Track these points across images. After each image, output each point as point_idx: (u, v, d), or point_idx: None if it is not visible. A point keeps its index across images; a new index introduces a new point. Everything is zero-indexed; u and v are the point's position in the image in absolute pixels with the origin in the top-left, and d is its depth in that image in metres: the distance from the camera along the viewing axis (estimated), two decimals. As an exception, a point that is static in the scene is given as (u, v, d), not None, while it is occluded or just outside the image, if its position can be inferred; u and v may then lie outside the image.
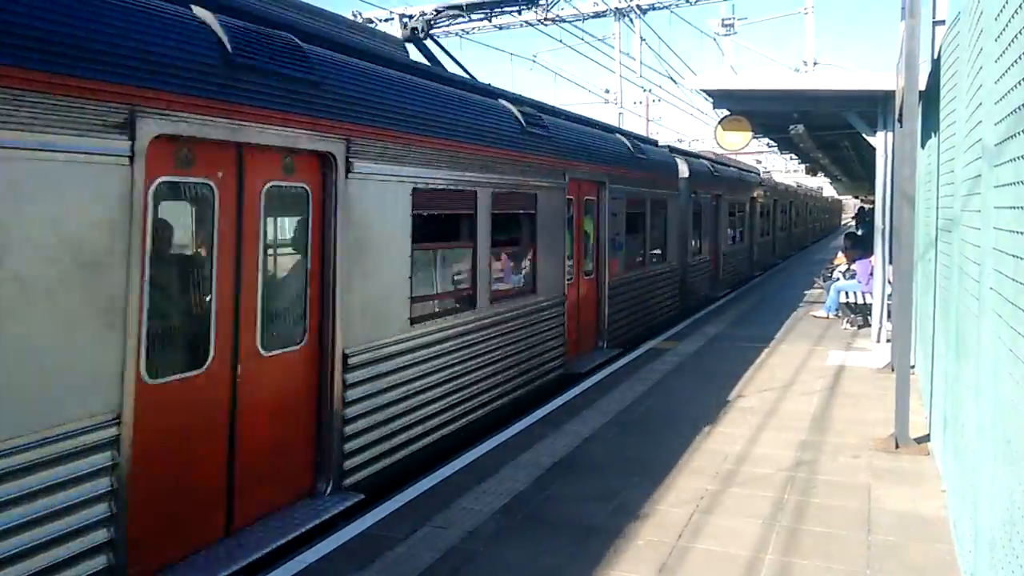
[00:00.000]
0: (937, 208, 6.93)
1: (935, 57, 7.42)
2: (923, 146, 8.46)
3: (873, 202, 14.93)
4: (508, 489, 5.90)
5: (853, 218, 41.69)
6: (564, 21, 22.37)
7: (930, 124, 7.61)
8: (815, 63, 26.53)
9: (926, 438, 6.90)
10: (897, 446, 6.71)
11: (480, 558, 4.78)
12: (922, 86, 7.34)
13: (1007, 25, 3.04)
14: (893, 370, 9.44)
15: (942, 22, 8.94)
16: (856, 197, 55.28)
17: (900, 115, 8.62)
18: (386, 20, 23.12)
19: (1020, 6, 2.75)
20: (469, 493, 5.81)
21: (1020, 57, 2.77)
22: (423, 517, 5.37)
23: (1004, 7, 3.11)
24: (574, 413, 8.01)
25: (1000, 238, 3.21)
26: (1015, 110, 2.87)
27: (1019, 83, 2.80)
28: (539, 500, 5.71)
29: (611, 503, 5.60)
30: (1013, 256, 2.90)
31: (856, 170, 27.63)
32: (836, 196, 59.41)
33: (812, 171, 31.33)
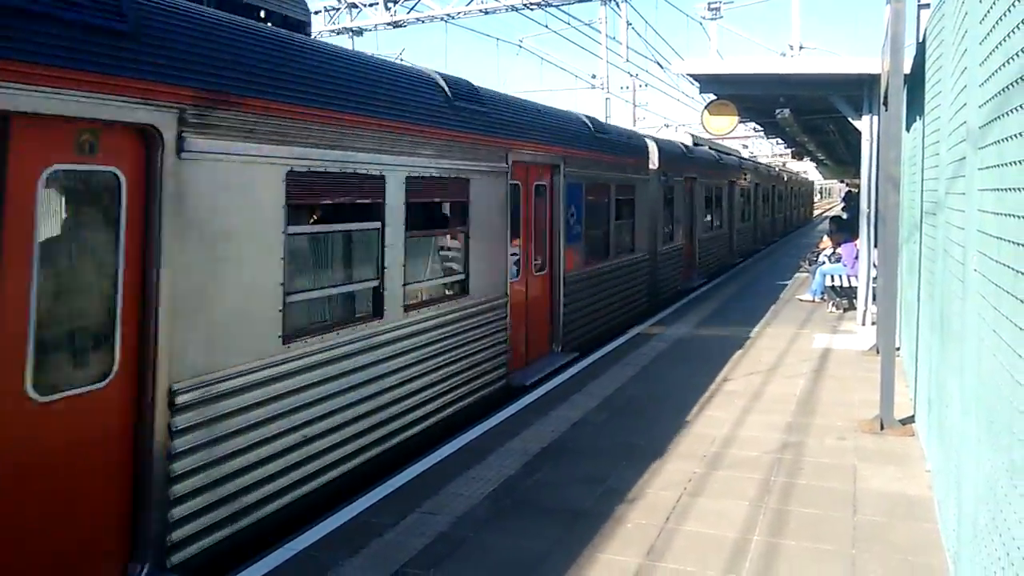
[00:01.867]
0: (922, 191, 6.97)
1: (920, 40, 7.43)
2: (908, 129, 8.49)
3: (859, 186, 14.95)
4: (497, 475, 5.91)
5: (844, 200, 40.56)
6: (550, 5, 22.25)
7: (915, 107, 7.63)
8: (801, 47, 26.52)
9: (911, 419, 6.97)
10: (882, 427, 6.78)
11: (469, 543, 4.79)
12: (907, 69, 7.35)
13: (992, 7, 3.05)
14: (878, 352, 9.52)
15: (927, 5, 8.93)
16: (842, 181, 55.62)
17: (885, 98, 8.64)
18: None
19: (1005, -12, 2.76)
20: (458, 479, 5.82)
21: (1004, 39, 2.78)
22: (412, 503, 5.37)
23: (989, -11, 3.11)
24: (563, 398, 8.03)
25: (984, 220, 3.23)
26: (999, 92, 2.88)
27: (1003, 65, 2.81)
28: (528, 485, 5.73)
29: (599, 487, 5.63)
30: (997, 238, 2.91)
31: (842, 154, 27.72)
32: (823, 180, 59.25)
33: (798, 155, 31.44)
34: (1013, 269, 2.60)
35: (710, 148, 21.66)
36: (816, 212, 64.81)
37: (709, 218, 20.26)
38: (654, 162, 14.54)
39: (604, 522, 5.04)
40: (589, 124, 11.54)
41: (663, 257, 15.28)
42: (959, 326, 4.02)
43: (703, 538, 4.80)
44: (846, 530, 4.88)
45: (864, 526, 4.93)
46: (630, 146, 13.39)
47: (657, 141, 15.61)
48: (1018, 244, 2.51)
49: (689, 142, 19.53)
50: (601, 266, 11.46)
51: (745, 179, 25.81)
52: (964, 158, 3.94)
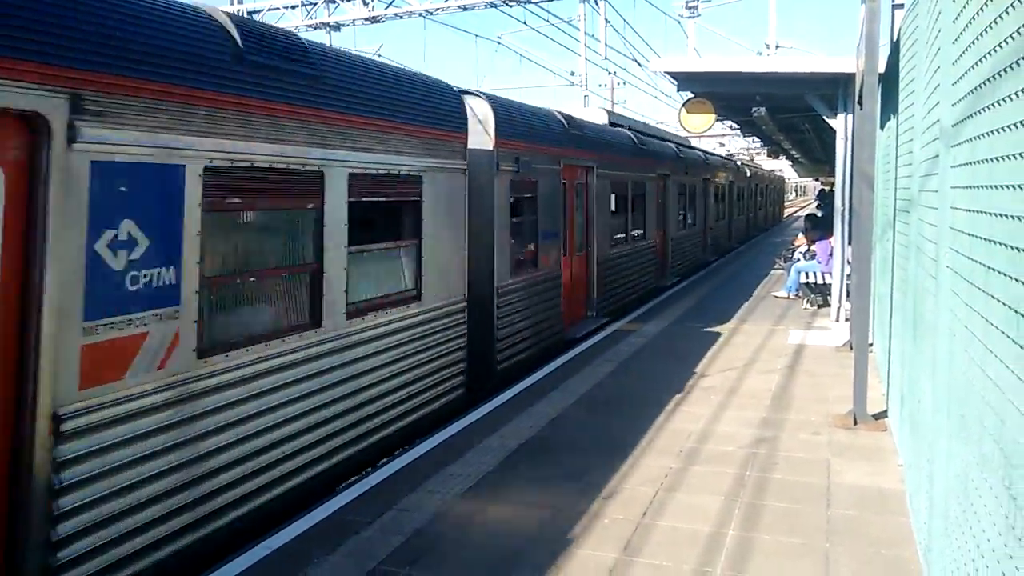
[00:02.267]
0: (895, 189, 7.05)
1: (894, 40, 7.52)
2: (882, 128, 8.59)
3: (833, 184, 15.07)
4: (475, 471, 5.91)
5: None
6: (529, 2, 22.22)
7: (889, 106, 7.72)
8: (777, 46, 26.76)
9: (884, 414, 7.06)
10: (856, 422, 6.86)
11: (447, 540, 4.78)
12: (882, 68, 7.43)
13: (964, 6, 3.09)
14: (852, 348, 9.64)
15: (901, 5, 9.05)
16: (816, 179, 56.14)
17: (860, 97, 8.74)
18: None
19: (977, -12, 2.79)
20: (435, 476, 5.81)
21: (976, 39, 2.82)
22: (388, 501, 5.35)
23: (962, -11, 3.15)
24: (541, 394, 8.04)
25: (957, 218, 3.27)
26: (972, 91, 2.91)
27: (975, 64, 2.84)
28: (506, 481, 5.73)
29: (578, 483, 5.64)
30: (969, 235, 2.95)
31: (817, 152, 28.01)
32: (798, 178, 58.27)
33: (774, 154, 31.72)
34: (985, 266, 2.64)
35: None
36: (791, 211, 62.51)
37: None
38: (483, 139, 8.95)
39: (582, 518, 5.05)
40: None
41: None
42: (932, 322, 4.08)
43: (679, 533, 4.83)
44: (819, 524, 4.93)
45: (837, 520, 4.99)
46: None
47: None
48: (990, 241, 2.55)
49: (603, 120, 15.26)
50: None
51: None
52: (937, 156, 3.99)
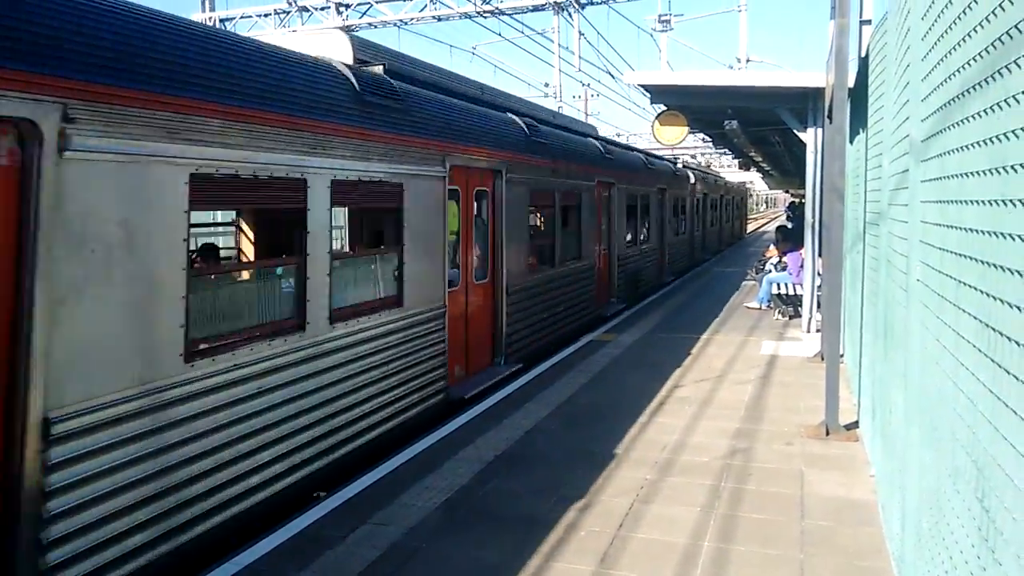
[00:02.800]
0: (865, 202, 7.16)
1: (863, 55, 7.64)
2: (851, 142, 8.72)
3: (803, 196, 15.24)
4: (450, 484, 5.87)
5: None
6: (503, 14, 22.32)
7: (858, 120, 7.85)
8: (748, 60, 27.15)
9: (855, 424, 7.14)
10: (828, 433, 6.92)
11: (423, 554, 4.74)
12: (851, 83, 7.56)
13: (932, 25, 3.15)
14: (823, 359, 9.74)
15: (868, 22, 9.21)
16: (787, 191, 56.88)
17: (830, 111, 8.87)
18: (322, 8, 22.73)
19: (945, 6, 2.85)
20: (411, 489, 5.76)
21: (945, 56, 2.87)
22: (363, 515, 5.29)
23: (930, 7, 3.21)
24: (517, 406, 8.01)
25: (927, 231, 3.32)
26: (941, 107, 2.96)
27: (944, 81, 2.90)
28: (482, 494, 5.70)
29: (554, 495, 5.62)
30: (939, 248, 3.00)
31: (787, 165, 28.39)
32: (768, 190, 56.64)
33: (744, 166, 32.10)
34: (955, 279, 2.68)
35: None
36: (756, 225, 57.18)
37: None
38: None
39: (558, 530, 5.03)
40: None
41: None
42: (902, 334, 4.13)
43: (655, 545, 4.83)
44: (794, 534, 4.96)
45: (812, 531, 5.02)
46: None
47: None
48: (960, 255, 2.59)
49: None
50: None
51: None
52: (907, 170, 4.06)
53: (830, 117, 9.53)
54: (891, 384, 4.71)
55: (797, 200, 37.88)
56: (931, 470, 3.14)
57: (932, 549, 3.06)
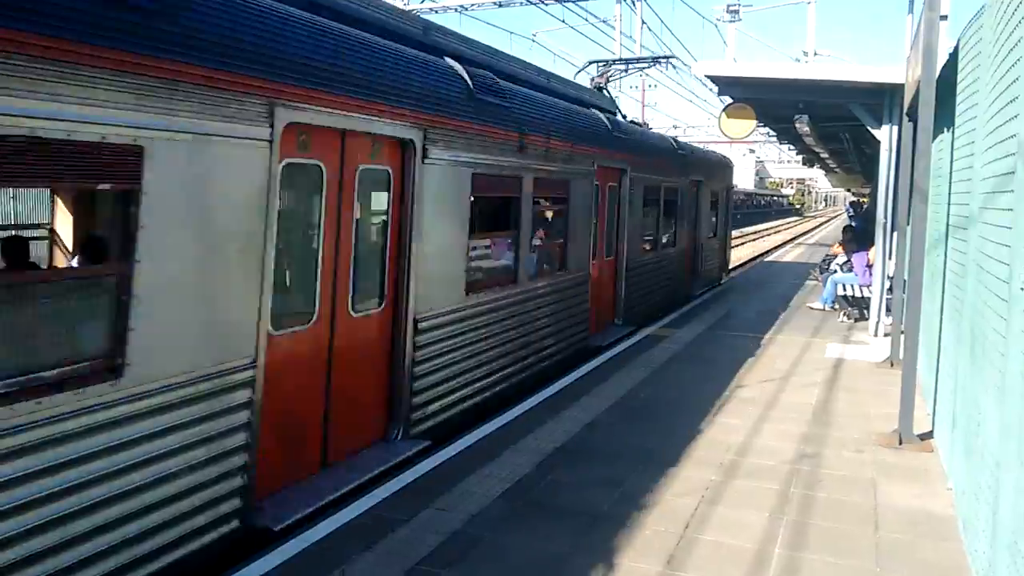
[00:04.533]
0: (948, 204, 6.87)
1: (951, 51, 7.32)
2: (932, 140, 8.39)
3: (865, 195, 14.72)
4: (511, 474, 5.83)
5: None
6: (567, 0, 22.12)
7: (941, 119, 7.53)
8: (815, 53, 26.43)
9: (930, 435, 6.89)
10: (901, 442, 6.69)
11: (485, 543, 4.71)
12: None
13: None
14: (892, 364, 9.44)
15: (945, 17, 8.85)
16: (848, 190, 55.46)
17: (910, 109, 8.54)
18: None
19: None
20: (471, 476, 5.74)
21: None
22: (425, 500, 5.29)
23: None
24: (574, 399, 7.95)
25: (1042, 238, 3.14)
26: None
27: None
28: (543, 485, 5.65)
29: (616, 491, 5.55)
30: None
31: (852, 163, 27.63)
32: (831, 188, 53.90)
33: (809, 162, 31.35)
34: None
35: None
36: (814, 224, 49.17)
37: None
38: None
39: (622, 527, 4.95)
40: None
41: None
42: (1000, 345, 3.93)
43: (723, 548, 4.72)
44: (869, 546, 4.80)
45: (887, 543, 4.85)
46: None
47: None
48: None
49: None
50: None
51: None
52: (1012, 172, 3.85)
53: (909, 114, 9.19)
54: (979, 395, 4.51)
55: (859, 199, 36.89)
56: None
57: (1035, 573, 2.90)
